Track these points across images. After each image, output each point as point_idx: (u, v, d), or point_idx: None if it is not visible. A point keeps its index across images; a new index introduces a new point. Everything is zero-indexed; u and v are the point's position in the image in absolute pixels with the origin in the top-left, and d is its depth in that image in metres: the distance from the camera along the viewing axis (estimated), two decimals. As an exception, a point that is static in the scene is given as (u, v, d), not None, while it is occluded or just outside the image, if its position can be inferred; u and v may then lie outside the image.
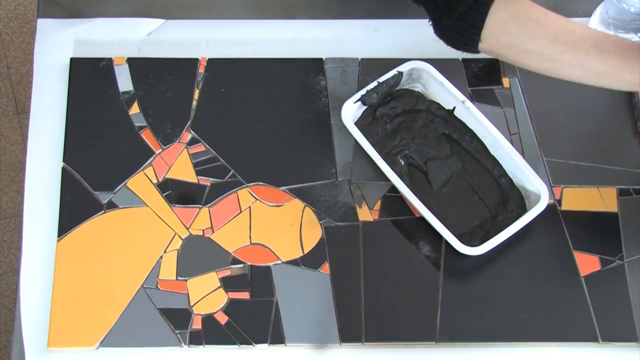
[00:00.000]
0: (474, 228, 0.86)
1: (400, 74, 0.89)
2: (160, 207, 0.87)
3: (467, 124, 0.90)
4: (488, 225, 0.86)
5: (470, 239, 0.84)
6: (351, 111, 0.89)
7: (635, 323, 0.83)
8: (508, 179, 0.88)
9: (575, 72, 0.77)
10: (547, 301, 0.84)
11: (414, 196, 0.84)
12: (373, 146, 0.87)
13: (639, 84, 0.74)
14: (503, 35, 0.77)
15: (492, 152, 0.89)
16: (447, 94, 0.89)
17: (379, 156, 0.86)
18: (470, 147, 0.89)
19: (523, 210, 0.86)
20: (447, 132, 0.90)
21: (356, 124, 0.89)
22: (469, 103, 0.88)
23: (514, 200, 0.87)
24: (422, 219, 0.85)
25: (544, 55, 0.77)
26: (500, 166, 0.88)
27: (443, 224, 0.83)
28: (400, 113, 0.91)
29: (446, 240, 0.83)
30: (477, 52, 0.80)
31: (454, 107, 0.90)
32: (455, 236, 0.83)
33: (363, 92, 0.89)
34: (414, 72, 0.90)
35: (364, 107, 0.90)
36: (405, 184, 0.85)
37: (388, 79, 0.89)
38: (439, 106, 0.91)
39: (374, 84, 0.89)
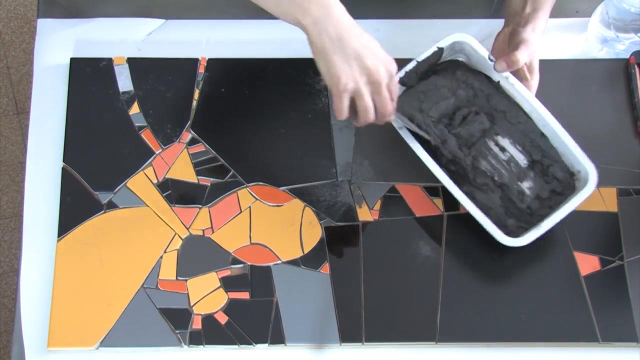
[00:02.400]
0: (518, 214, 0.83)
1: (441, 50, 0.86)
2: (160, 207, 0.87)
3: (515, 98, 0.86)
4: (531, 210, 0.83)
5: (515, 229, 0.82)
6: None
7: (635, 323, 0.83)
8: (555, 159, 0.84)
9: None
10: (547, 301, 0.84)
11: (456, 188, 0.81)
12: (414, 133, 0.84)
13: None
14: None
15: (540, 128, 0.85)
16: (490, 68, 0.86)
17: (421, 149, 0.83)
18: (514, 122, 0.86)
19: (571, 191, 0.82)
20: (492, 105, 0.87)
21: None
22: (512, 78, 0.85)
23: (561, 181, 0.84)
24: (423, 219, 0.85)
25: None
26: (545, 148, 0.85)
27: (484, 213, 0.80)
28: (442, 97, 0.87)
29: (446, 240, 0.83)
30: None
31: (499, 81, 0.87)
32: (497, 226, 0.80)
33: (402, 74, 0.85)
34: (455, 46, 0.87)
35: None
36: (448, 177, 0.82)
37: (428, 56, 0.86)
38: (482, 81, 0.87)
39: (413, 63, 0.86)
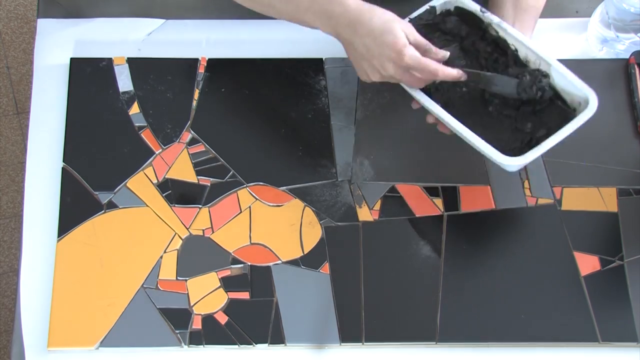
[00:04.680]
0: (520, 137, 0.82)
1: (433, 8, 0.85)
2: (160, 207, 0.87)
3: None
4: (532, 136, 0.82)
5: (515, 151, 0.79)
6: None
7: (635, 323, 0.83)
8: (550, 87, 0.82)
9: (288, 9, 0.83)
10: (547, 301, 0.84)
11: (443, 111, 0.80)
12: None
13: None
14: None
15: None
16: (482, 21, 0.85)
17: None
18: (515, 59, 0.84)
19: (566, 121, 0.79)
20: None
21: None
22: (504, 24, 0.83)
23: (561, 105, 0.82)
24: (423, 219, 0.85)
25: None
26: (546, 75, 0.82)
27: (481, 137, 0.78)
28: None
29: (446, 240, 0.83)
30: None
31: (489, 24, 0.84)
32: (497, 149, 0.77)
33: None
34: (447, 4, 0.86)
35: None
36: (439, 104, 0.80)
37: (420, 14, 0.85)
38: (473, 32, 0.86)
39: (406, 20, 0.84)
